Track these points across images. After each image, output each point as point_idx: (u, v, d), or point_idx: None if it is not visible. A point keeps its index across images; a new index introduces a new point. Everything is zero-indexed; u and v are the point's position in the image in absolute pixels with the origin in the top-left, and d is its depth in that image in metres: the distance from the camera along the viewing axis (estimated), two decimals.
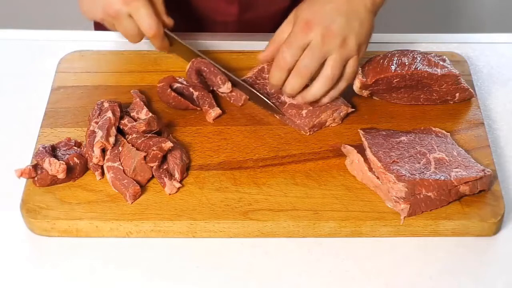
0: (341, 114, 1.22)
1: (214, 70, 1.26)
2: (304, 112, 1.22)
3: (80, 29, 1.43)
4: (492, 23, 2.60)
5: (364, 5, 1.19)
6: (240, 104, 1.25)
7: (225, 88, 1.25)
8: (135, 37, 1.25)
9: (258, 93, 1.24)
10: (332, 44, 1.16)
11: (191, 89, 1.25)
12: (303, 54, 1.17)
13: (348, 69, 1.20)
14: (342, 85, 1.21)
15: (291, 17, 1.22)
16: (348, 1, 1.19)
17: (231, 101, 1.26)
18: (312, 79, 1.19)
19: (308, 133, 1.21)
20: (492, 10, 2.61)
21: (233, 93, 1.25)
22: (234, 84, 1.26)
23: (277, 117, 1.23)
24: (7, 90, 1.32)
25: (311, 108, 1.22)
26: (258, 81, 1.27)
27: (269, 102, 1.23)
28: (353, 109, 1.23)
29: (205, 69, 1.26)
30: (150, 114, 1.19)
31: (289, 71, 1.19)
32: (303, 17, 1.18)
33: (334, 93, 1.21)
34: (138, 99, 1.22)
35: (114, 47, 1.37)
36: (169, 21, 1.27)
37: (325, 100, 1.22)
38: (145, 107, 1.21)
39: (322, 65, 1.18)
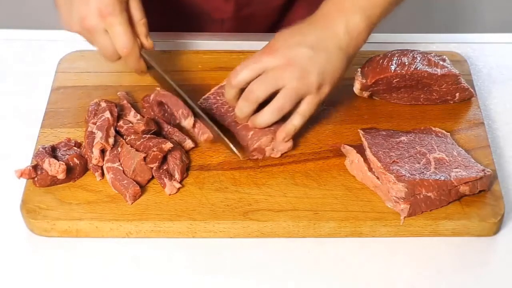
0: (280, 147, 1.17)
1: (177, 103, 1.18)
2: (250, 134, 1.17)
3: None
4: (492, 23, 2.60)
5: (336, 43, 1.13)
6: (202, 140, 1.18)
7: (186, 123, 1.17)
8: (111, 55, 1.18)
9: (220, 134, 1.17)
10: (289, 74, 1.11)
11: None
12: (257, 79, 1.13)
13: (302, 106, 1.14)
14: (296, 121, 1.15)
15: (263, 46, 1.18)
16: (321, 35, 1.13)
17: (194, 136, 1.20)
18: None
19: (252, 157, 1.17)
20: (492, 10, 2.61)
21: (195, 129, 1.18)
22: (197, 117, 1.18)
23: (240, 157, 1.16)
24: (7, 90, 1.32)
25: (257, 131, 1.17)
26: (218, 99, 1.22)
27: (231, 145, 1.16)
28: (291, 144, 1.17)
29: (167, 101, 1.19)
30: (138, 116, 1.19)
31: (241, 92, 1.15)
32: (269, 44, 1.15)
33: (289, 128, 1.15)
34: (125, 101, 1.22)
35: None
36: (148, 44, 1.21)
37: (280, 136, 1.16)
38: (132, 109, 1.20)
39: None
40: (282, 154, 1.18)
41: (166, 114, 1.21)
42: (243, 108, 1.15)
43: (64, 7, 1.17)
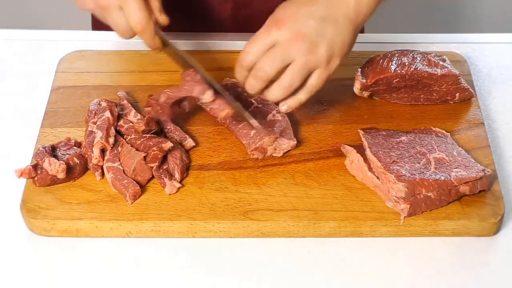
0: (283, 146, 1.17)
1: (198, 79, 1.17)
2: (252, 132, 1.17)
3: (80, 29, 1.43)
4: (492, 23, 2.60)
5: (345, 14, 1.11)
6: (221, 116, 1.18)
7: (206, 97, 1.16)
8: (125, 31, 1.15)
9: (241, 108, 1.16)
10: (297, 48, 1.09)
11: (161, 126, 1.20)
12: (264, 55, 1.10)
13: (311, 81, 1.12)
14: (302, 97, 1.13)
15: (270, 16, 1.15)
16: (328, 7, 1.10)
17: (212, 114, 1.20)
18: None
19: (252, 156, 1.17)
20: (492, 10, 2.61)
21: (214, 104, 1.17)
22: (219, 93, 1.17)
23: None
24: (7, 90, 1.32)
25: (259, 131, 1.17)
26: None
27: (252, 120, 1.15)
28: (295, 142, 1.17)
29: (188, 79, 1.18)
30: (139, 116, 1.19)
31: (249, 70, 1.13)
32: (275, 16, 1.12)
33: (292, 103, 1.14)
34: (125, 101, 1.22)
35: (114, 47, 1.37)
36: (163, 19, 1.18)
37: (283, 108, 1.15)
38: (133, 108, 1.20)
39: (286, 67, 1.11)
40: (283, 154, 1.18)
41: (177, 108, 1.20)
42: (254, 85, 1.12)
43: None
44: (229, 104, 1.16)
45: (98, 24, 1.29)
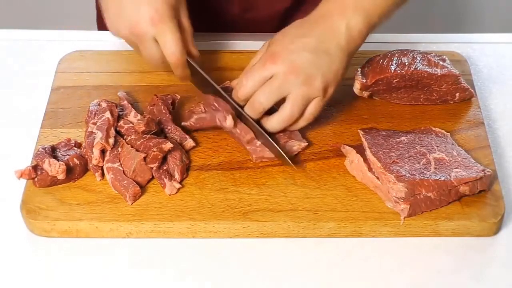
0: (294, 148, 1.18)
1: (217, 106, 1.18)
2: (258, 143, 1.17)
3: (80, 29, 1.43)
4: (492, 23, 2.60)
5: (337, 44, 1.13)
6: (245, 141, 1.17)
7: (227, 125, 1.17)
8: (157, 62, 1.19)
9: (265, 134, 1.16)
10: (294, 81, 1.11)
11: (161, 126, 1.20)
12: (261, 88, 1.13)
13: (309, 109, 1.15)
14: (300, 124, 1.16)
15: (264, 47, 1.18)
16: (320, 39, 1.13)
17: (235, 139, 1.19)
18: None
19: (255, 161, 1.17)
20: (492, 10, 2.61)
21: (236, 129, 1.17)
22: (240, 117, 1.18)
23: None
24: (7, 90, 1.32)
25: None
26: None
27: (279, 148, 1.15)
28: (307, 143, 1.18)
29: (206, 103, 1.19)
30: (139, 116, 1.19)
31: (246, 101, 1.16)
32: (270, 50, 1.14)
33: (292, 129, 1.17)
34: (125, 101, 1.22)
35: (114, 47, 1.36)
36: (195, 51, 1.21)
37: (275, 127, 1.17)
38: (133, 109, 1.21)
39: (283, 98, 1.14)
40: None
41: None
42: (250, 115, 1.16)
43: (113, 11, 1.18)
44: (250, 128, 1.17)
45: (103, 24, 1.29)
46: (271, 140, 1.15)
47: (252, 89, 1.14)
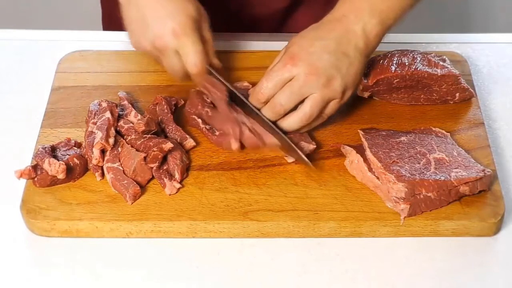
0: (303, 150, 1.17)
1: (216, 86, 1.19)
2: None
3: (80, 29, 1.43)
4: (492, 23, 2.60)
5: (355, 46, 1.15)
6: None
7: (233, 148, 1.17)
8: (179, 73, 1.21)
9: (289, 141, 1.16)
10: (315, 83, 1.13)
11: (163, 125, 1.20)
12: (281, 90, 1.14)
13: (327, 110, 1.16)
14: (315, 123, 1.18)
15: (283, 50, 1.18)
16: (339, 40, 1.14)
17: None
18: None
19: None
20: (492, 10, 2.61)
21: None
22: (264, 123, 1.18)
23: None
24: (7, 90, 1.32)
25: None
26: None
27: (301, 154, 1.15)
28: (315, 146, 1.18)
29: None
30: (139, 116, 1.19)
31: (266, 103, 1.16)
32: (289, 52, 1.15)
33: (304, 129, 1.18)
34: (126, 101, 1.22)
35: (114, 47, 1.37)
36: (216, 63, 1.23)
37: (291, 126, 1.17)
38: (133, 109, 1.21)
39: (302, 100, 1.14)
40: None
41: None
42: (269, 117, 1.16)
43: (136, 26, 1.20)
44: (268, 131, 1.17)
45: (108, 25, 1.30)
46: (291, 143, 1.15)
47: (273, 91, 1.15)
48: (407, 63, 1.22)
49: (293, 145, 1.16)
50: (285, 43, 1.19)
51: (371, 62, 1.23)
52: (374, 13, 1.15)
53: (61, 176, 1.11)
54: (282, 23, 1.49)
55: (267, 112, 1.16)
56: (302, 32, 1.18)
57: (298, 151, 1.15)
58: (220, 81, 1.20)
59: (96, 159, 1.13)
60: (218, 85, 1.19)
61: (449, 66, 1.23)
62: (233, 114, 1.18)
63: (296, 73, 1.13)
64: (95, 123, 1.17)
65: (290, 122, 1.16)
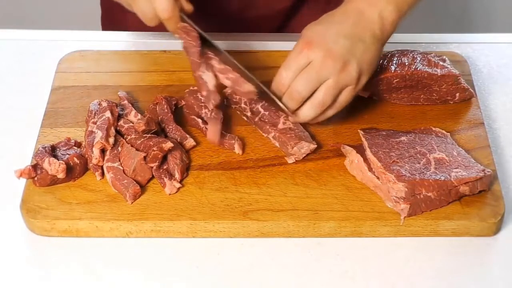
0: (302, 150, 1.17)
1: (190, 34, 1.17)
2: (270, 136, 1.19)
3: (80, 29, 1.43)
4: (492, 23, 2.60)
5: (372, 32, 1.14)
6: (243, 91, 1.16)
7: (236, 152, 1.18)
8: (151, 19, 1.16)
9: (266, 89, 1.16)
10: (331, 68, 1.11)
11: (163, 125, 1.21)
12: (298, 77, 1.13)
13: (341, 98, 1.15)
14: (330, 112, 1.16)
15: (300, 38, 1.17)
16: (355, 25, 1.13)
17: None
18: None
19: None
20: (492, 10, 2.61)
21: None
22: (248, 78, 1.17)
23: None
24: (7, 90, 1.32)
25: (279, 135, 1.18)
26: None
27: (277, 101, 1.15)
28: (316, 145, 1.18)
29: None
30: (139, 115, 1.19)
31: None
32: (305, 37, 1.14)
33: (320, 118, 1.17)
34: (126, 101, 1.22)
35: (114, 47, 1.37)
36: (188, 6, 1.18)
37: (305, 118, 1.17)
38: (133, 108, 1.21)
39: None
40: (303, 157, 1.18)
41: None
42: (289, 106, 1.15)
43: None
44: (253, 84, 1.16)
45: (108, 25, 1.29)
46: (266, 89, 1.14)
47: (290, 79, 1.13)
48: (407, 63, 1.22)
49: (268, 91, 1.14)
50: (288, 43, 1.19)
51: None
52: (390, 1, 1.15)
53: (61, 175, 1.11)
54: (284, 24, 1.49)
55: (287, 101, 1.15)
56: (317, 20, 1.17)
57: (275, 98, 1.14)
58: (192, 27, 1.18)
59: (96, 158, 1.13)
60: (191, 32, 1.17)
61: (449, 66, 1.23)
62: (205, 61, 1.16)
63: (313, 58, 1.12)
64: (95, 123, 1.17)
65: (306, 112, 1.15)
